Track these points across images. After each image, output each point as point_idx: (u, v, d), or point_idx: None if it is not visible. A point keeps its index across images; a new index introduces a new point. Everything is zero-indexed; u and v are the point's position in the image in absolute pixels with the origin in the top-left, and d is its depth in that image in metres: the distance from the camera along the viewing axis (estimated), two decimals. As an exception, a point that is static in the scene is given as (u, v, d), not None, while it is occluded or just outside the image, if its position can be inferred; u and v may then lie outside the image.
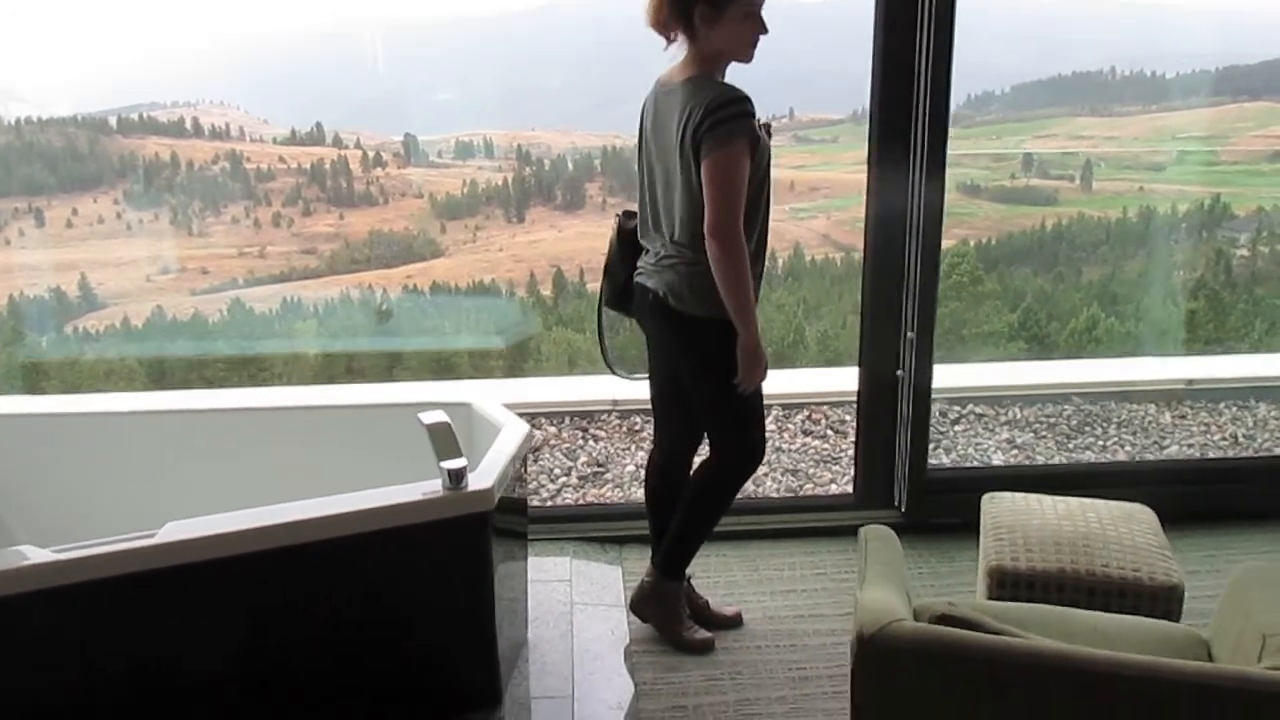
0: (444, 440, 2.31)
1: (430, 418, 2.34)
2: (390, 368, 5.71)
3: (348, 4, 5.52)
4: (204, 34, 5.63)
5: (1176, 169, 6.31)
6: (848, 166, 6.97)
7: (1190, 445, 4.36)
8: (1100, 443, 4.47)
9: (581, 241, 5.87)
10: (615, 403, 4.69)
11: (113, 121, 5.75)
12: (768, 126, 2.46)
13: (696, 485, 2.86)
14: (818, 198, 6.04)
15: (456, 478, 2.32)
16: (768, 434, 2.90)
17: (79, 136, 5.73)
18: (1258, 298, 5.96)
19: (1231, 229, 6.29)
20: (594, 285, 6.79)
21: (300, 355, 5.74)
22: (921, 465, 3.53)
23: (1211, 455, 4.29)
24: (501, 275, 5.89)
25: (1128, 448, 4.39)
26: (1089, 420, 4.65)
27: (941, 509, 3.55)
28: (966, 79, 7.14)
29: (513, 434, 2.70)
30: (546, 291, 5.90)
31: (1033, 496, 2.89)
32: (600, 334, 2.96)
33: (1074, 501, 2.84)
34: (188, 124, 5.76)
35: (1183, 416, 4.63)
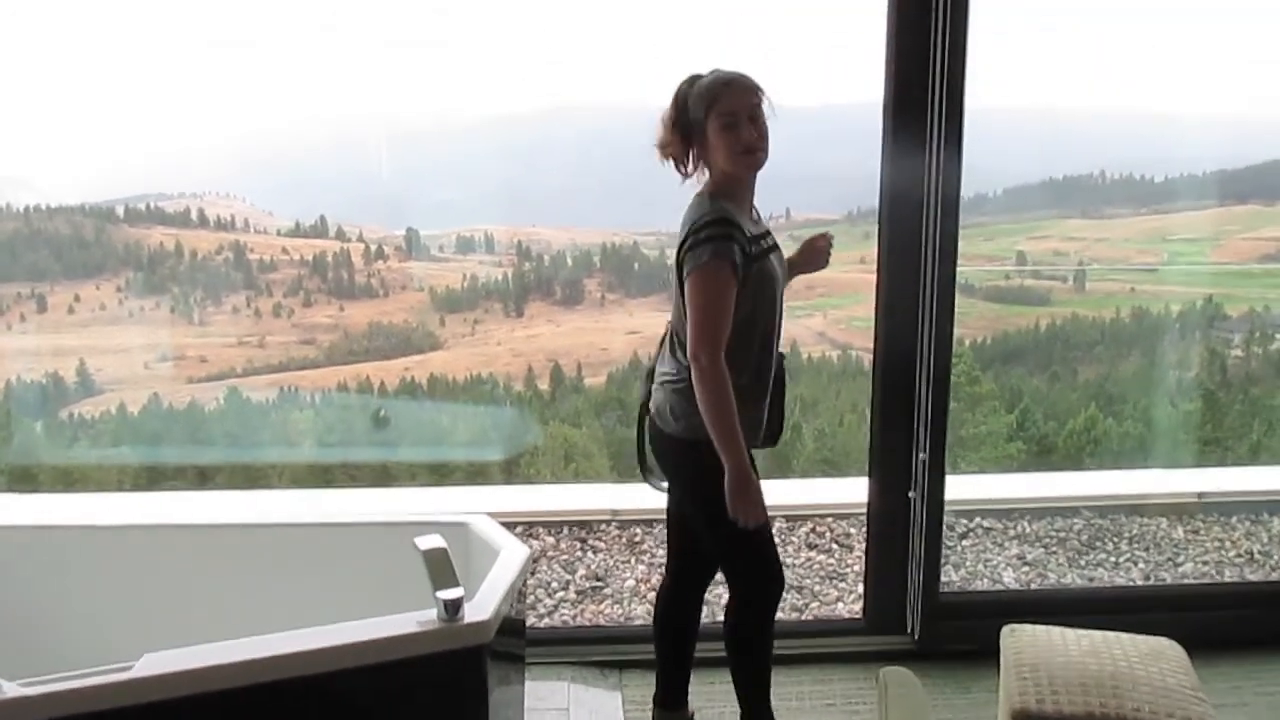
0: (440, 568, 2.20)
1: (426, 543, 2.22)
2: (386, 468, 5.67)
3: (356, 104, 5.65)
4: (214, 128, 5.75)
5: (1168, 270, 6.39)
6: (843, 266, 7.06)
7: (1205, 563, 4.27)
8: (1113, 559, 4.37)
9: (579, 337, 5.89)
10: (615, 513, 4.60)
11: (120, 211, 5.83)
12: (769, 250, 2.37)
13: (731, 643, 2.71)
14: (814, 296, 6.09)
15: (453, 609, 2.19)
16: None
17: (86, 225, 5.80)
18: (1253, 398, 5.98)
19: (1225, 329, 6.34)
20: (591, 381, 6.83)
21: (295, 450, 5.72)
22: (934, 589, 3.40)
23: (1232, 578, 4.18)
24: (499, 369, 5.90)
25: (1141, 565, 4.28)
26: (1100, 535, 4.56)
27: (956, 635, 3.40)
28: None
29: (512, 558, 2.58)
30: (544, 386, 5.90)
31: (1055, 630, 2.74)
32: (639, 439, 2.79)
33: (1098, 636, 2.67)
34: (193, 214, 5.84)
35: (1195, 531, 4.56)
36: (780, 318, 2.46)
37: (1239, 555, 4.35)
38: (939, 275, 3.19)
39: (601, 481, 5.51)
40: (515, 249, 6.11)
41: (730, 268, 2.26)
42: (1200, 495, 4.75)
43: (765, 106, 2.30)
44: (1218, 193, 6.28)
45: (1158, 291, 6.39)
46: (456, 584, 2.21)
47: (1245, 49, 5.65)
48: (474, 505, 4.57)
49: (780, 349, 2.57)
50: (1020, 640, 2.71)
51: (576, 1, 5.24)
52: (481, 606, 2.30)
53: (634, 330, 5.97)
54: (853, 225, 8.15)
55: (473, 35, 5.34)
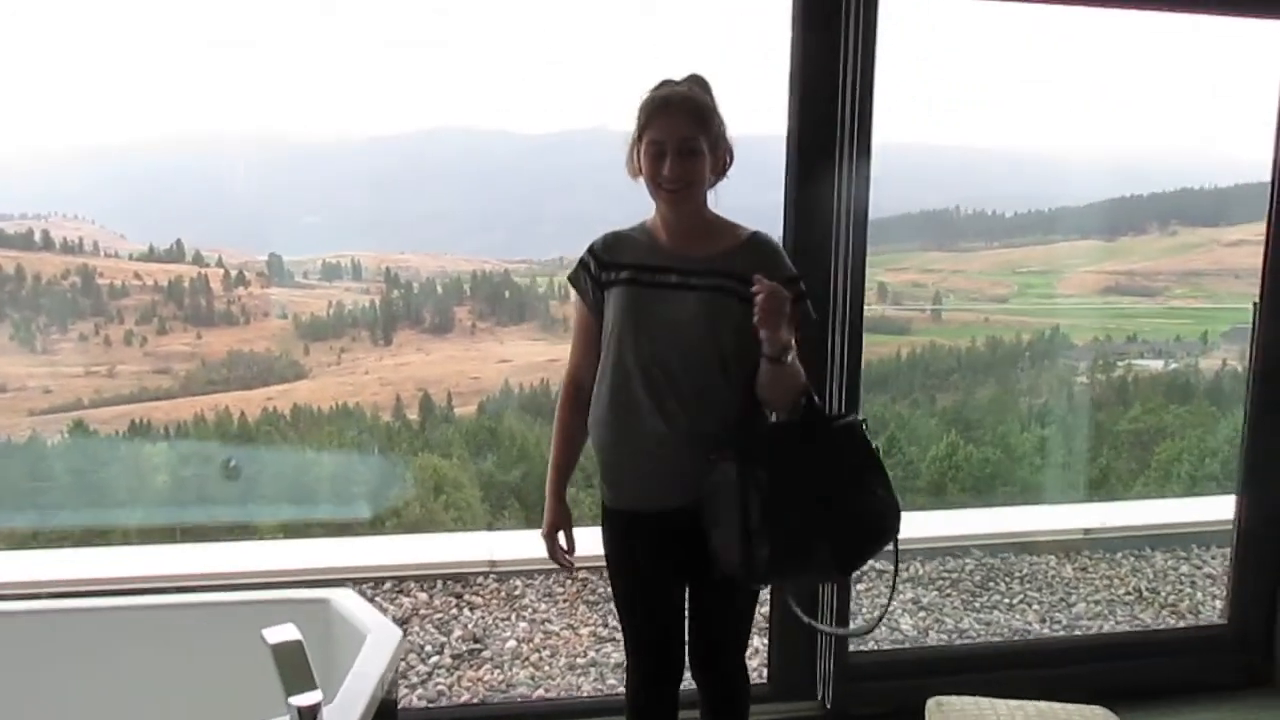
0: (293, 667, 1.74)
1: (276, 635, 1.73)
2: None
3: (217, 122, 5.46)
4: (61, 145, 5.46)
5: (1018, 301, 6.70)
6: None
7: (1097, 601, 4.33)
8: (1007, 601, 4.34)
9: (450, 365, 5.80)
10: (492, 564, 4.27)
11: (-47, 233, 5.47)
12: (630, 282, 2.05)
13: None
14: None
15: (308, 716, 1.78)
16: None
17: (-85, 247, 5.43)
18: (1098, 422, 6.29)
19: (1071, 357, 6.68)
20: (462, 410, 6.72)
21: (146, 483, 5.43)
22: (845, 649, 3.18)
23: (1156, 625, 4.11)
24: (366, 399, 5.76)
25: (1035, 607, 4.25)
26: (992, 575, 4.53)
27: (871, 699, 3.16)
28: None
29: (381, 645, 2.20)
30: (413, 415, 5.78)
31: (984, 701, 2.57)
32: None
33: (1030, 707, 2.54)
34: (36, 236, 5.52)
35: (1084, 569, 4.61)
36: (651, 361, 2.02)
37: (1128, 593, 4.40)
38: (850, 308, 2.99)
39: (473, 513, 5.42)
40: (383, 276, 5.98)
41: (577, 291, 2.13)
42: (1087, 532, 4.79)
43: (705, 140, 1.98)
44: (1062, 228, 6.64)
45: (1009, 321, 6.69)
46: (313, 685, 1.76)
47: (1096, 92, 6.00)
48: (338, 560, 4.33)
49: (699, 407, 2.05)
50: (949, 715, 2.55)
51: (449, 25, 5.19)
52: (346, 709, 1.92)
53: (505, 359, 5.90)
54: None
55: (342, 55, 5.23)
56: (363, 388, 5.77)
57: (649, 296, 2.05)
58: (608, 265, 2.09)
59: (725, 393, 2.00)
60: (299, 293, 5.92)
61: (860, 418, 2.12)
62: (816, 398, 2.05)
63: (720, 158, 2.01)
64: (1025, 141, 6.56)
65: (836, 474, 1.99)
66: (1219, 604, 4.26)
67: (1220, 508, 4.70)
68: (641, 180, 2.06)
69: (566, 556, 2.34)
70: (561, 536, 2.32)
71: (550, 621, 3.99)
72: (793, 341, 1.94)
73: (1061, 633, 4.12)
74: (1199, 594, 4.44)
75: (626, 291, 2.06)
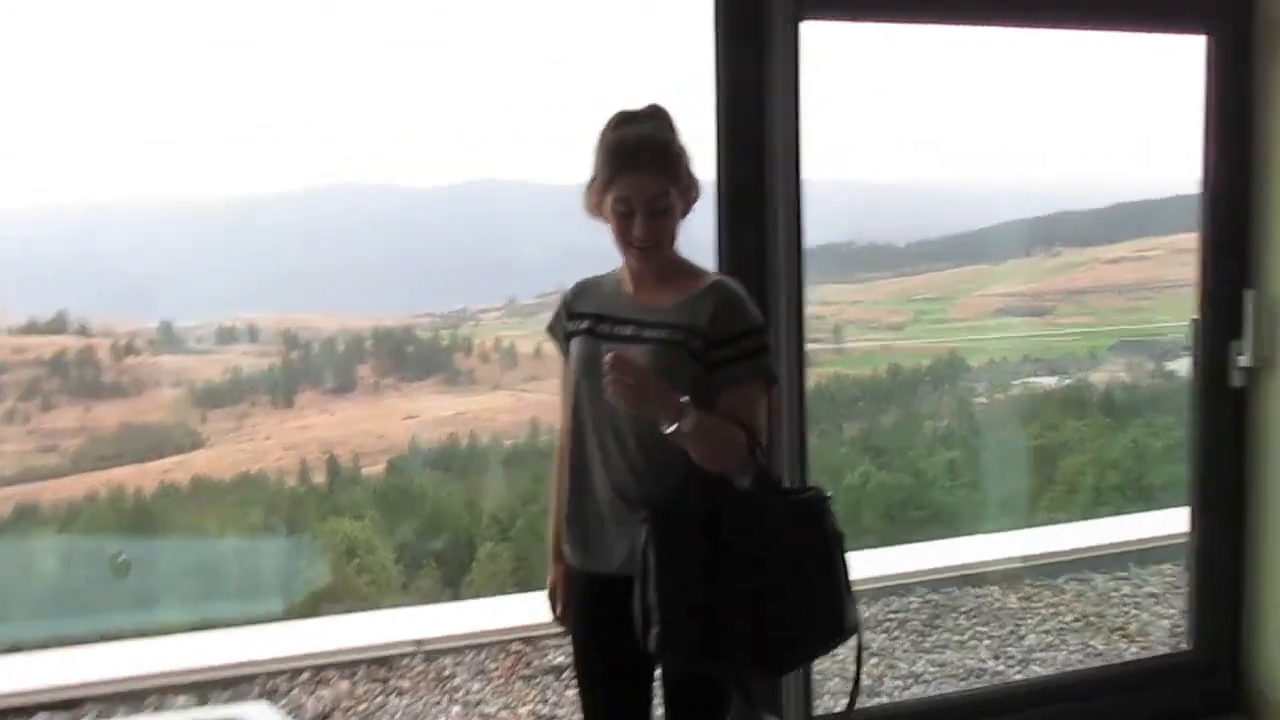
0: None
1: None
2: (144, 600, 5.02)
3: (98, 188, 5.30)
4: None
5: (915, 327, 6.88)
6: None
7: (1047, 631, 4.22)
8: (957, 639, 4.17)
9: (355, 425, 5.70)
10: (419, 643, 3.86)
11: None
12: (587, 332, 1.90)
13: None
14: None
15: None
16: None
17: None
18: (1001, 441, 6.46)
19: (969, 379, 6.87)
20: (370, 470, 6.57)
21: (28, 588, 5.09)
22: (809, 713, 2.94)
23: (1111, 660, 4.05)
24: (270, 464, 5.60)
25: (987, 642, 4.15)
26: (939, 612, 4.40)
27: None
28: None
29: None
30: (319, 479, 5.64)
31: None
32: None
33: None
34: (-94, 317, 5.27)
35: (1028, 598, 4.52)
36: (602, 417, 1.85)
37: (1076, 620, 4.27)
38: (793, 350, 2.79)
39: (387, 575, 5.27)
40: (281, 337, 5.85)
41: (554, 341, 2.02)
42: (1025, 559, 4.70)
43: (676, 191, 1.82)
44: (952, 255, 6.85)
45: (908, 347, 6.86)
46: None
47: (982, 121, 6.22)
48: (249, 653, 3.95)
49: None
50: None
51: (330, 80, 5.14)
52: None
53: (412, 415, 5.84)
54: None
55: (222, 113, 5.13)
56: (264, 453, 5.62)
57: (583, 345, 1.92)
58: (574, 314, 1.97)
59: (676, 453, 1.76)
60: (193, 359, 5.76)
61: (825, 493, 1.85)
62: (763, 459, 1.79)
63: (689, 200, 1.87)
64: (915, 173, 6.78)
65: (776, 558, 1.76)
66: (1166, 624, 4.24)
67: (1151, 524, 4.78)
68: (598, 218, 1.88)
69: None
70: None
71: (486, 703, 3.74)
72: (688, 411, 1.68)
73: (1017, 669, 4.02)
74: (1144, 614, 4.38)
75: (583, 342, 1.93)
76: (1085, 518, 5.80)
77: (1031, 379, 6.83)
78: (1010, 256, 6.90)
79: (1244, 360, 2.76)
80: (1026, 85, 5.80)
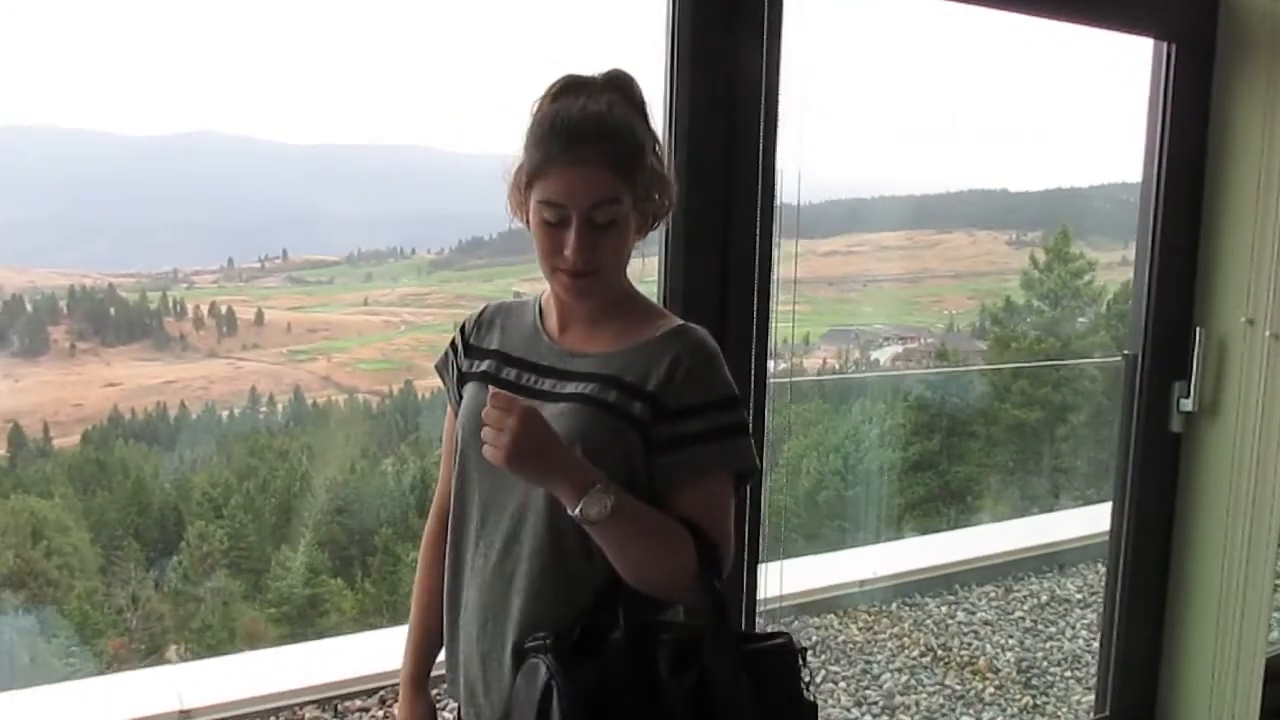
0: None
1: None
2: None
3: None
4: None
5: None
6: (345, 308, 6.90)
7: (899, 668, 3.51)
8: (810, 681, 3.68)
9: (46, 392, 5.23)
10: (185, 713, 2.63)
11: None
12: (489, 376, 1.29)
13: None
14: (317, 339, 5.93)
15: None
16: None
17: None
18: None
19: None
20: (63, 442, 6.02)
21: None
22: None
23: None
24: (-62, 435, 5.04)
25: (843, 683, 3.68)
26: None
27: None
28: (457, 225, 7.51)
29: None
30: (1, 451, 5.14)
31: None
32: None
33: None
34: None
35: (869, 628, 3.88)
36: (487, 500, 1.29)
37: (923, 654, 3.85)
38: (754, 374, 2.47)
39: (81, 558, 4.88)
40: (-44, 293, 5.28)
41: (444, 385, 1.43)
42: (862, 584, 4.34)
43: (630, 197, 1.19)
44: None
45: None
46: None
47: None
48: None
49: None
50: None
51: (50, 12, 4.66)
52: None
53: (113, 382, 5.45)
54: (353, 266, 8.03)
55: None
56: (-67, 423, 5.06)
57: (476, 393, 1.32)
58: (472, 351, 1.36)
59: (580, 561, 1.22)
60: None
61: (799, 643, 1.28)
62: (720, 585, 1.21)
63: (651, 213, 1.25)
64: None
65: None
66: (1010, 655, 3.98)
67: (966, 545, 4.54)
68: (520, 221, 1.28)
69: None
70: None
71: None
72: (603, 489, 1.11)
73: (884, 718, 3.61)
74: (987, 645, 4.20)
75: (477, 390, 1.32)
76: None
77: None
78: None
79: (1187, 404, 2.44)
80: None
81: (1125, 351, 2.53)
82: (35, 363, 5.33)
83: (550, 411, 1.20)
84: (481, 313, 1.38)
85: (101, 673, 4.47)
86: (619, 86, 1.26)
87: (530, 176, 1.21)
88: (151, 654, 4.73)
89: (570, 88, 1.24)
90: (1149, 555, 2.65)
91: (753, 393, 1.93)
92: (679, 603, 1.21)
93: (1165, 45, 2.29)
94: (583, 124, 1.20)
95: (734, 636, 1.25)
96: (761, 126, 1.90)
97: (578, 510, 1.12)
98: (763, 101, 1.88)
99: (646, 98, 1.27)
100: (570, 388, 1.25)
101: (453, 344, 1.39)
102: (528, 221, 1.25)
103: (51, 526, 4.80)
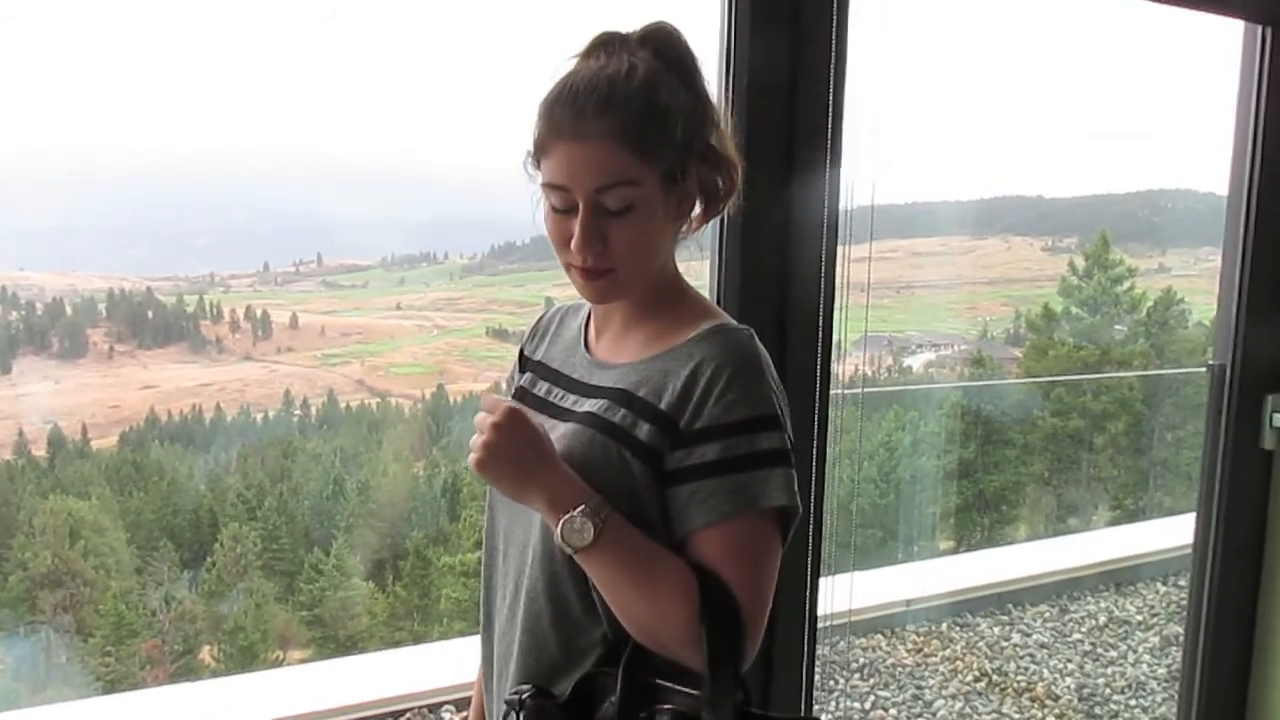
0: None
1: None
2: None
3: None
4: None
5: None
6: (378, 312, 6.95)
7: (952, 695, 3.48)
8: (860, 707, 3.42)
9: (85, 394, 5.28)
10: None
11: None
12: (521, 387, 1.11)
13: None
14: (350, 343, 5.97)
15: None
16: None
17: None
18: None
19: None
20: (101, 443, 6.09)
21: None
22: None
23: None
24: (-23, 435, 5.12)
25: (893, 711, 3.55)
26: (827, 670, 3.59)
27: None
28: (489, 230, 7.54)
29: None
30: (40, 452, 5.20)
31: None
32: None
33: None
34: None
35: (919, 650, 3.85)
36: (508, 532, 1.09)
37: (977, 679, 3.70)
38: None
39: (117, 559, 4.93)
40: (-1, 296, 5.38)
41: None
42: (909, 603, 4.14)
43: (653, 176, 0.94)
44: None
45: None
46: None
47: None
48: None
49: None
50: None
51: (79, 30, 4.73)
52: None
53: (150, 385, 5.51)
54: (387, 271, 8.08)
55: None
56: (-29, 423, 5.14)
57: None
58: (525, 364, 1.18)
59: (577, 606, 0.99)
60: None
61: None
62: (733, 646, 0.96)
63: (690, 198, 0.98)
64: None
65: None
66: (1069, 681, 3.89)
67: (1022, 563, 4.36)
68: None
69: None
70: None
71: None
72: (593, 512, 0.90)
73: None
74: (1044, 670, 3.95)
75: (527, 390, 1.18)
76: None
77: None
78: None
79: (1280, 420, 2.28)
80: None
81: (1211, 362, 2.30)
82: (75, 365, 5.39)
83: (556, 432, 1.00)
84: (540, 319, 1.18)
85: (138, 671, 4.51)
86: (656, 42, 1.01)
87: (538, 148, 0.98)
88: (185, 655, 4.76)
89: (597, 46, 1.01)
90: (1238, 575, 2.47)
91: (817, 408, 1.64)
92: (682, 656, 0.93)
93: (1260, 29, 2.00)
94: (591, 90, 0.95)
95: (737, 716, 0.94)
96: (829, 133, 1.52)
97: (557, 534, 0.91)
98: (830, 105, 1.51)
99: (695, 54, 1.01)
100: (586, 405, 1.03)
101: (519, 355, 1.18)
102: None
103: (89, 527, 4.84)
